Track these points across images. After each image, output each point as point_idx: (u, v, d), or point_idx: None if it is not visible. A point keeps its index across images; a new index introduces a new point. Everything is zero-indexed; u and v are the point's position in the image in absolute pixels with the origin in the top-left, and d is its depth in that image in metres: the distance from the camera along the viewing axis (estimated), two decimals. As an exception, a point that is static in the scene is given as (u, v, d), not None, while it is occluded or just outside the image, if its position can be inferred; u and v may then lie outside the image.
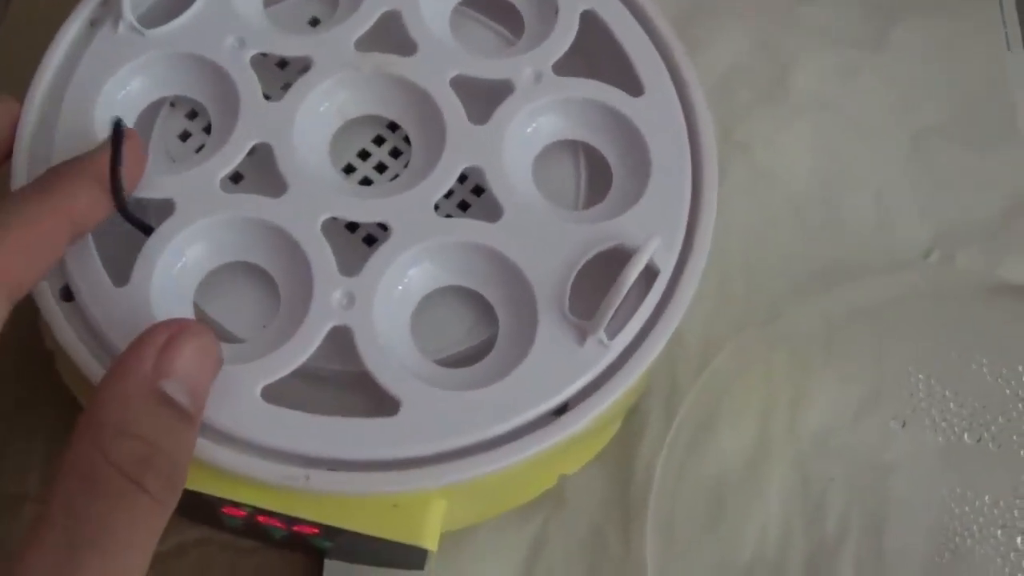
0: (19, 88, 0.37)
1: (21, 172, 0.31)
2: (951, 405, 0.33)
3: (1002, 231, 0.40)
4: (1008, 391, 0.33)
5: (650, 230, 0.31)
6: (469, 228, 0.31)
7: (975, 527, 0.31)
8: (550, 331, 0.30)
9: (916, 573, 0.33)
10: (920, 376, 0.33)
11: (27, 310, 0.33)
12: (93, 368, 0.29)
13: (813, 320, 0.37)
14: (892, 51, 0.43)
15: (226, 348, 0.29)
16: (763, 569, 0.35)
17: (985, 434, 0.32)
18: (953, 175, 0.41)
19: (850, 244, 0.39)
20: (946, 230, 0.40)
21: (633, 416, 0.36)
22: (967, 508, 0.31)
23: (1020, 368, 0.33)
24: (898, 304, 0.36)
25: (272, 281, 0.31)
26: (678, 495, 0.35)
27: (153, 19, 0.34)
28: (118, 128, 0.29)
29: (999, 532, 0.31)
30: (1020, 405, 0.33)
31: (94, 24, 0.34)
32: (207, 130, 0.33)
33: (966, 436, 0.32)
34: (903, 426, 0.33)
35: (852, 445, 0.35)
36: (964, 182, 0.41)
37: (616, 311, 0.29)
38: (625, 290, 0.28)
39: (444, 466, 0.28)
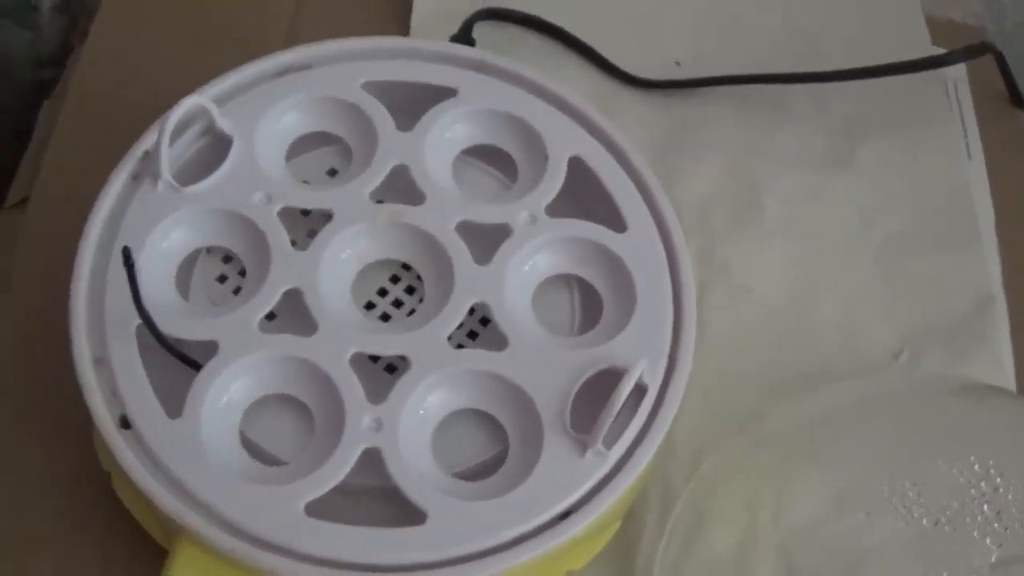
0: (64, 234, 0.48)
1: (79, 326, 0.41)
2: (910, 494, 0.42)
3: (966, 330, 0.50)
4: (962, 479, 0.43)
5: (638, 352, 0.41)
6: (479, 358, 0.41)
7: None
8: (554, 445, 0.39)
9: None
10: (884, 471, 0.43)
11: (79, 430, 0.43)
12: (151, 488, 0.38)
13: (791, 423, 0.47)
14: (857, 169, 0.54)
15: (268, 470, 0.40)
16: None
17: (941, 518, 0.42)
18: (918, 279, 0.51)
19: (823, 350, 0.49)
20: (913, 332, 0.50)
21: (631, 517, 0.45)
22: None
23: (971, 459, 0.43)
24: (869, 404, 0.46)
25: (307, 409, 0.41)
26: (676, 589, 0.44)
27: (188, 174, 0.44)
28: (128, 260, 0.39)
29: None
30: (972, 491, 0.42)
31: (136, 178, 0.44)
32: (241, 273, 0.43)
33: (924, 521, 0.42)
34: (867, 516, 0.42)
35: (833, 536, 0.45)
36: (929, 286, 0.51)
37: (612, 425, 0.39)
38: (618, 408, 0.38)
39: (466, 566, 0.38)
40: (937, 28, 0.59)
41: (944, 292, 0.52)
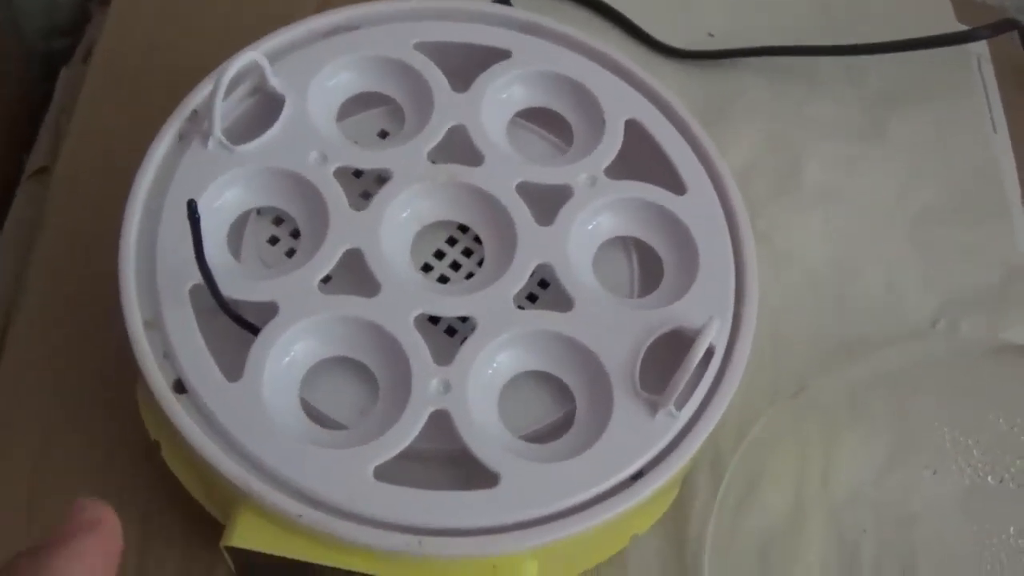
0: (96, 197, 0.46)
1: (129, 287, 0.39)
2: (974, 452, 0.42)
3: (1000, 297, 0.50)
4: (1023, 438, 0.42)
5: (704, 313, 0.40)
6: (546, 319, 0.39)
7: (1003, 555, 0.40)
8: (625, 406, 0.38)
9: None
10: (945, 429, 0.43)
11: (128, 401, 0.41)
12: (212, 453, 0.37)
13: (837, 389, 0.46)
14: (890, 141, 0.54)
15: (332, 434, 0.38)
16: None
17: (1006, 475, 0.42)
18: (952, 249, 0.51)
19: (864, 317, 0.49)
20: (949, 300, 0.50)
21: (684, 483, 0.44)
22: (995, 541, 0.40)
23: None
24: (913, 369, 0.46)
25: (368, 372, 0.39)
26: (729, 552, 0.43)
27: (237, 133, 0.42)
28: (194, 214, 0.37)
29: (1024, 558, 0.40)
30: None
31: (182, 138, 0.42)
32: (294, 235, 0.42)
33: (989, 478, 0.42)
34: (934, 473, 0.42)
35: (880, 498, 0.44)
36: (962, 255, 0.51)
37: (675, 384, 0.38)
38: (691, 368, 0.37)
39: (538, 529, 0.37)
40: (959, 7, 0.59)
41: (976, 262, 0.52)
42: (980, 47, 0.57)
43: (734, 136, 0.53)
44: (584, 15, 0.56)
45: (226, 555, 0.38)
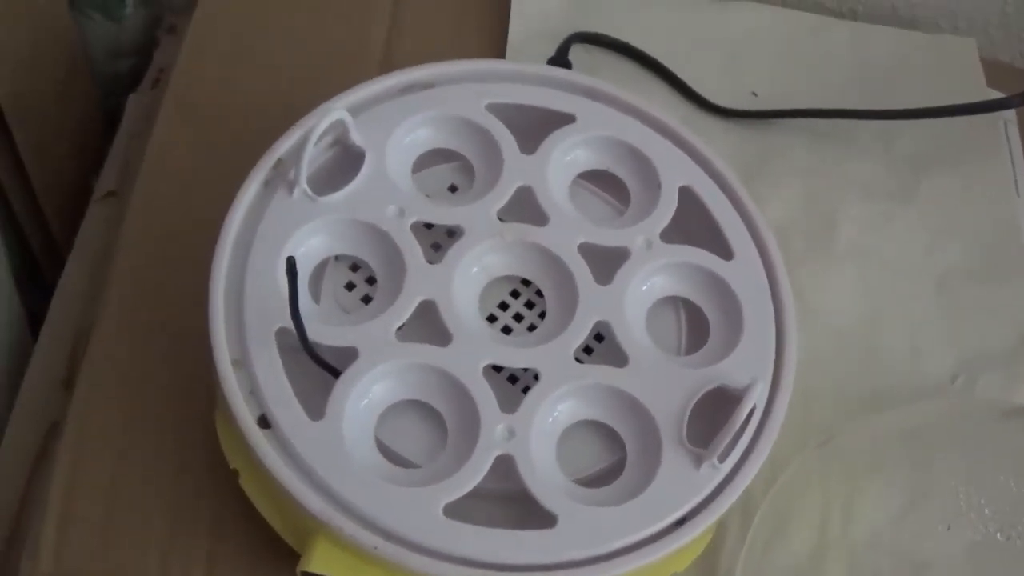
0: (185, 231, 0.50)
1: (219, 327, 0.43)
2: (986, 511, 0.47)
3: (1016, 359, 0.55)
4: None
5: (747, 373, 0.44)
6: (603, 373, 0.44)
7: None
8: (673, 457, 0.43)
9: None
10: (960, 487, 0.47)
11: (202, 427, 0.45)
12: (294, 486, 0.41)
13: (860, 439, 0.51)
14: (920, 201, 0.58)
15: (405, 472, 0.43)
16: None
17: (1013, 533, 0.46)
18: (974, 308, 0.56)
19: (888, 372, 0.54)
20: (969, 357, 0.55)
21: (717, 524, 0.49)
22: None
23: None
24: (931, 425, 0.51)
25: (439, 416, 0.44)
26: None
27: (318, 183, 0.46)
28: (292, 270, 0.41)
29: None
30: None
31: (267, 185, 0.46)
32: (368, 281, 0.46)
33: (998, 535, 0.47)
34: (948, 528, 0.47)
35: (896, 545, 0.49)
36: (983, 314, 0.56)
37: (719, 439, 0.43)
38: (736, 426, 0.42)
39: (590, 568, 0.41)
40: (990, 69, 0.64)
41: (996, 321, 0.56)
42: (1008, 112, 0.62)
43: (772, 193, 0.57)
44: (635, 70, 0.60)
45: (300, 578, 0.43)
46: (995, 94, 0.61)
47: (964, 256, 0.57)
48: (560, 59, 0.56)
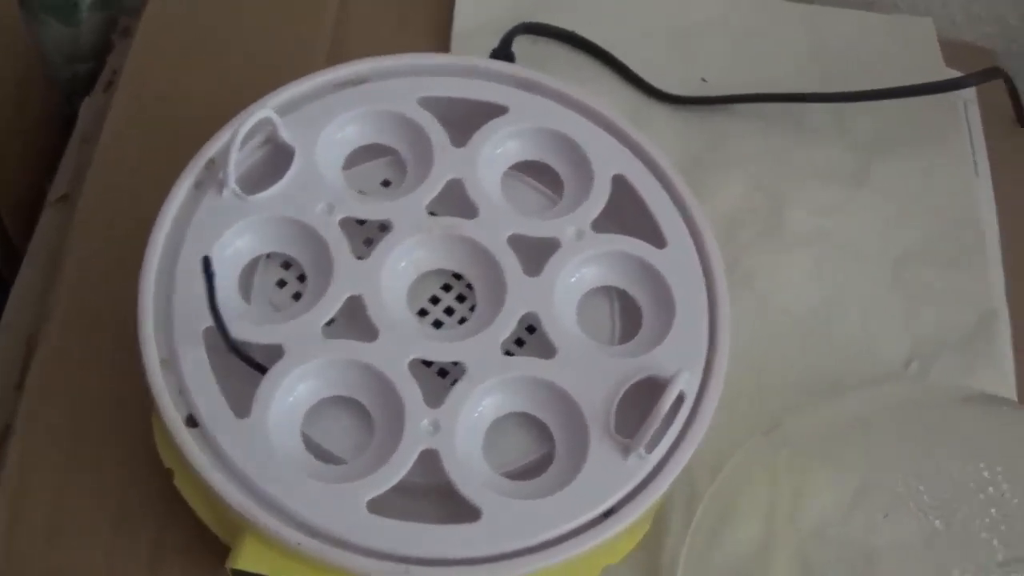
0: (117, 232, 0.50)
1: (147, 327, 0.44)
2: (925, 498, 0.46)
3: (972, 341, 0.54)
4: (972, 484, 0.47)
5: (677, 362, 0.44)
6: (530, 365, 0.44)
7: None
8: (600, 448, 0.43)
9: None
10: (899, 474, 0.47)
11: (146, 427, 0.46)
12: (220, 484, 0.41)
13: (809, 427, 0.51)
14: (874, 185, 0.58)
15: (331, 468, 0.43)
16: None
17: (953, 520, 0.46)
18: (929, 293, 0.56)
19: (840, 359, 0.53)
20: (923, 342, 0.54)
21: (659, 515, 0.49)
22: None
23: (980, 465, 0.47)
24: (881, 412, 0.50)
25: (366, 411, 0.44)
26: (701, 583, 0.48)
27: (249, 182, 0.47)
28: (208, 269, 0.42)
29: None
30: (980, 496, 0.47)
31: (199, 186, 0.47)
32: (300, 278, 0.46)
33: (937, 523, 0.46)
34: (885, 517, 0.46)
35: (845, 534, 0.49)
36: (939, 299, 0.55)
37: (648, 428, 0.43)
38: (662, 415, 0.42)
39: (516, 561, 0.41)
40: (948, 49, 0.63)
41: (952, 305, 0.56)
42: (967, 91, 0.61)
43: (723, 180, 0.57)
44: (582, 59, 0.60)
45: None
46: (954, 74, 0.60)
47: (921, 240, 0.57)
48: (504, 51, 0.56)
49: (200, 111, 0.53)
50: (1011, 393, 0.55)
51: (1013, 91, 0.61)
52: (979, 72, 0.58)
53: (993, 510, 0.46)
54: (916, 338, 0.54)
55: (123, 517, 0.48)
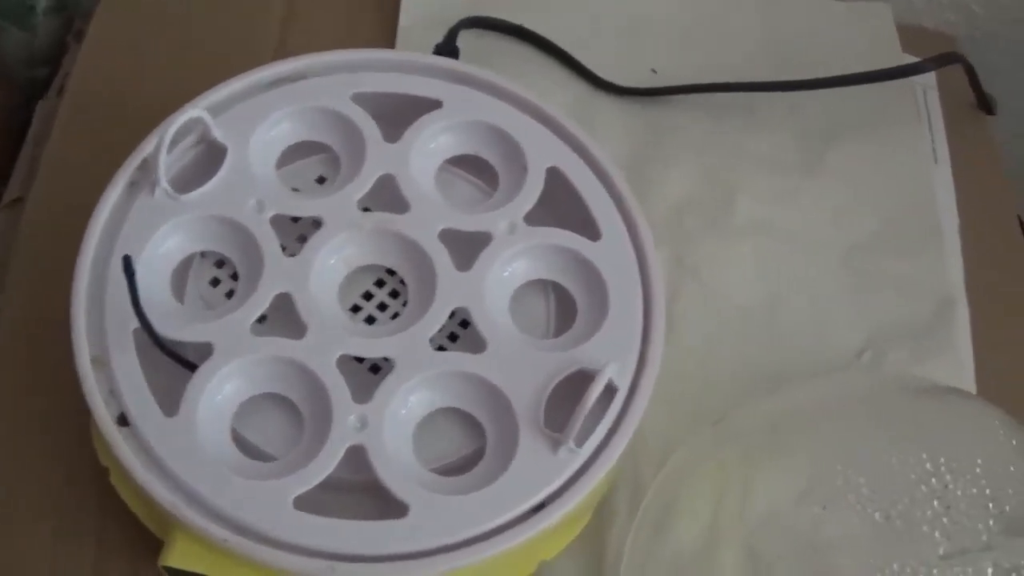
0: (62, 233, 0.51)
1: (79, 327, 0.44)
2: (864, 490, 0.46)
3: (927, 330, 0.54)
4: (913, 476, 0.46)
5: (609, 355, 0.44)
6: (459, 360, 0.44)
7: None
8: (529, 442, 0.43)
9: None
10: (839, 466, 0.46)
11: (81, 428, 0.46)
12: (149, 482, 0.42)
13: (756, 419, 0.50)
14: (827, 173, 0.57)
15: (259, 465, 0.43)
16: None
17: (892, 512, 0.45)
18: (884, 281, 0.55)
19: (791, 350, 0.53)
20: (877, 332, 0.54)
21: (603, 509, 0.49)
22: (886, 573, 0.44)
23: (923, 456, 0.46)
24: (829, 401, 0.50)
25: (296, 408, 0.44)
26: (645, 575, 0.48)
27: (184, 182, 0.47)
28: (128, 268, 0.42)
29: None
30: (922, 487, 0.46)
31: (133, 185, 0.47)
32: (234, 277, 0.47)
33: (877, 515, 0.45)
34: (824, 509, 0.46)
35: (794, 527, 0.48)
36: (894, 287, 0.55)
37: (583, 423, 0.43)
38: (588, 409, 0.42)
39: (444, 557, 0.41)
40: (908, 35, 0.62)
41: (908, 294, 0.55)
42: (927, 77, 0.60)
43: (671, 171, 0.56)
44: (530, 53, 0.60)
45: (164, 573, 0.43)
46: (912, 61, 0.60)
47: (876, 228, 0.56)
48: (448, 45, 0.56)
49: (146, 111, 0.53)
50: (969, 383, 0.54)
51: (973, 76, 0.60)
52: (935, 57, 0.57)
53: (935, 502, 0.46)
54: (869, 328, 0.54)
55: (65, 515, 0.49)
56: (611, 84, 0.59)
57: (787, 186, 0.57)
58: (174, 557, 0.42)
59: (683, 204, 0.56)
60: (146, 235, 0.46)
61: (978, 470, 0.46)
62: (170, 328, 0.44)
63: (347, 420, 0.43)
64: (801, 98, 0.58)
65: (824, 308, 0.54)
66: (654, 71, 0.59)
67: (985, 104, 0.61)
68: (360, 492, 0.43)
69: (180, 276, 0.47)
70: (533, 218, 0.47)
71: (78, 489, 0.49)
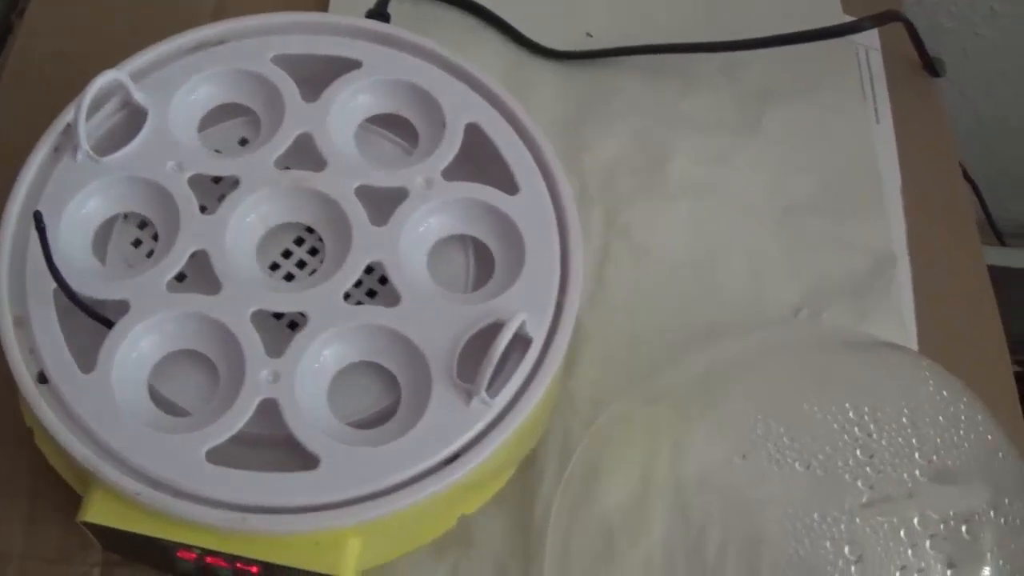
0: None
1: (1, 288, 0.44)
2: (784, 439, 0.45)
3: (865, 288, 0.53)
4: (835, 425, 0.46)
5: (525, 308, 0.44)
6: (372, 313, 0.44)
7: (807, 541, 0.44)
8: (441, 394, 0.43)
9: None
10: (758, 416, 0.46)
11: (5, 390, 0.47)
12: (65, 438, 0.42)
13: (687, 376, 0.50)
14: (765, 134, 0.57)
15: (173, 420, 0.43)
16: (651, 596, 0.47)
17: (813, 462, 0.45)
18: (822, 240, 0.55)
19: (725, 309, 0.53)
20: (814, 290, 0.53)
21: (531, 468, 0.49)
22: (808, 524, 0.44)
23: (846, 405, 0.46)
24: (758, 356, 0.49)
25: (211, 364, 0.44)
26: (572, 533, 0.47)
27: (107, 145, 0.47)
28: (39, 224, 0.42)
29: (827, 544, 0.44)
30: (844, 436, 0.46)
31: (58, 150, 0.47)
32: (155, 237, 0.47)
33: (797, 465, 0.45)
34: (743, 458, 0.46)
35: (725, 483, 0.48)
36: (832, 246, 0.55)
37: (497, 375, 0.43)
38: (496, 358, 0.42)
39: (355, 508, 0.41)
40: (852, -1, 0.62)
41: (847, 253, 0.55)
42: (869, 38, 0.60)
43: (606, 133, 0.56)
44: (465, 19, 0.60)
45: (85, 529, 0.44)
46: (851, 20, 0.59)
47: (814, 188, 0.56)
48: (379, 11, 0.56)
49: (83, 76, 0.53)
50: (911, 340, 0.54)
51: (915, 36, 0.59)
52: (875, 16, 0.57)
53: (858, 451, 0.45)
54: (807, 287, 0.54)
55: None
56: (547, 49, 0.59)
57: (724, 147, 0.57)
58: (91, 513, 0.42)
59: (617, 165, 0.55)
60: (67, 197, 0.46)
61: (904, 420, 0.46)
62: (89, 287, 0.44)
63: (260, 374, 0.43)
64: (739, 59, 0.58)
65: (760, 267, 0.54)
66: (589, 35, 0.59)
67: (930, 65, 0.61)
68: (275, 446, 0.44)
69: (103, 238, 0.47)
70: (453, 175, 0.47)
71: (9, 450, 0.49)
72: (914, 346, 0.54)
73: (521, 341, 0.44)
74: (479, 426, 0.43)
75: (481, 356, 0.43)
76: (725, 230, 0.55)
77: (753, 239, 0.55)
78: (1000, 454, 0.48)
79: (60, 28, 0.60)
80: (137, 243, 0.47)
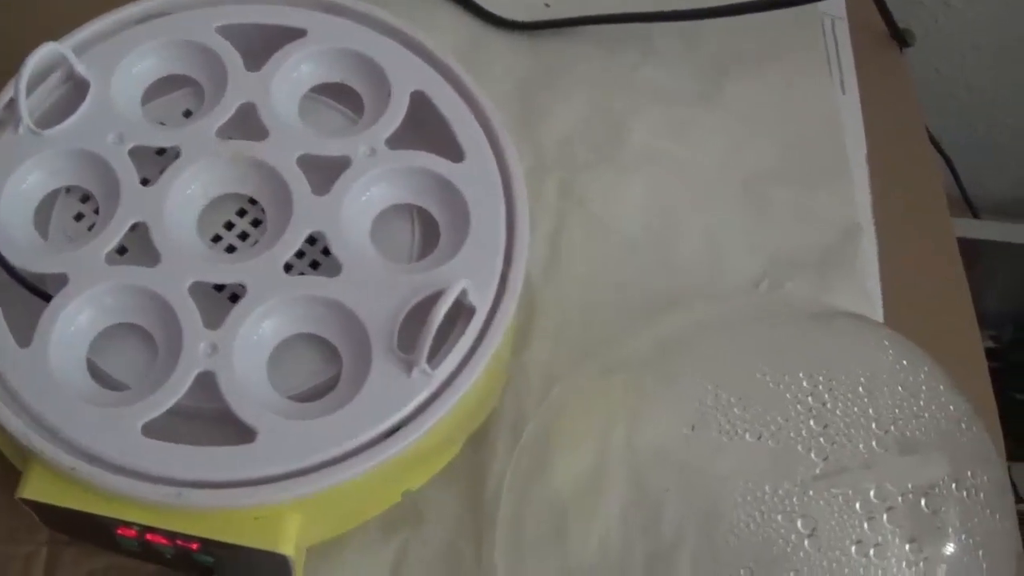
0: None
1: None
2: (735, 410, 0.44)
3: (829, 259, 0.52)
4: (788, 395, 0.45)
5: (468, 276, 0.43)
6: (312, 284, 0.43)
7: (758, 515, 0.43)
8: (382, 365, 0.42)
9: (746, 562, 0.44)
10: (709, 387, 0.45)
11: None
12: (3, 414, 0.41)
13: (645, 348, 0.49)
14: (725, 104, 0.56)
15: (110, 394, 0.42)
16: (607, 572, 0.46)
17: (764, 432, 0.44)
18: (784, 211, 0.54)
19: (684, 281, 0.51)
20: (776, 261, 0.52)
21: (484, 444, 0.48)
22: (759, 496, 0.43)
23: (799, 375, 0.45)
24: (717, 326, 0.48)
25: (150, 337, 0.43)
26: (524, 509, 0.46)
27: (50, 119, 0.47)
28: None
29: (779, 517, 0.43)
30: (798, 406, 0.45)
31: (0, 125, 0.47)
32: (97, 211, 0.46)
33: (747, 436, 0.44)
34: (692, 430, 0.45)
35: (680, 458, 0.47)
36: (794, 217, 0.53)
37: (440, 346, 0.42)
38: (434, 326, 0.41)
39: (293, 482, 0.41)
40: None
41: (810, 223, 0.54)
42: (836, 7, 0.59)
43: (562, 104, 0.55)
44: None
45: (24, 506, 0.43)
46: (817, -11, 0.58)
47: (776, 159, 0.55)
48: (332, -17, 0.55)
49: (27, 50, 0.53)
50: (876, 312, 0.53)
51: (882, 6, 0.58)
52: (836, -17, 0.56)
53: (812, 422, 0.44)
54: (769, 258, 0.52)
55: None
56: (504, 19, 0.58)
57: (683, 117, 0.56)
58: (28, 489, 0.42)
59: (574, 134, 0.54)
60: (7, 171, 0.45)
61: (860, 389, 0.45)
62: (28, 261, 0.44)
63: (197, 347, 0.42)
64: (699, 28, 0.57)
65: (720, 238, 0.53)
66: (547, 4, 0.58)
67: (898, 35, 0.59)
68: (213, 420, 0.43)
69: (46, 212, 0.47)
70: (399, 144, 0.46)
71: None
72: (880, 319, 0.52)
73: (465, 311, 0.43)
74: (419, 398, 0.42)
75: (421, 327, 0.43)
76: (685, 201, 0.53)
77: (714, 210, 0.53)
78: (963, 425, 0.47)
79: (5, 3, 0.59)
80: (79, 217, 0.47)
